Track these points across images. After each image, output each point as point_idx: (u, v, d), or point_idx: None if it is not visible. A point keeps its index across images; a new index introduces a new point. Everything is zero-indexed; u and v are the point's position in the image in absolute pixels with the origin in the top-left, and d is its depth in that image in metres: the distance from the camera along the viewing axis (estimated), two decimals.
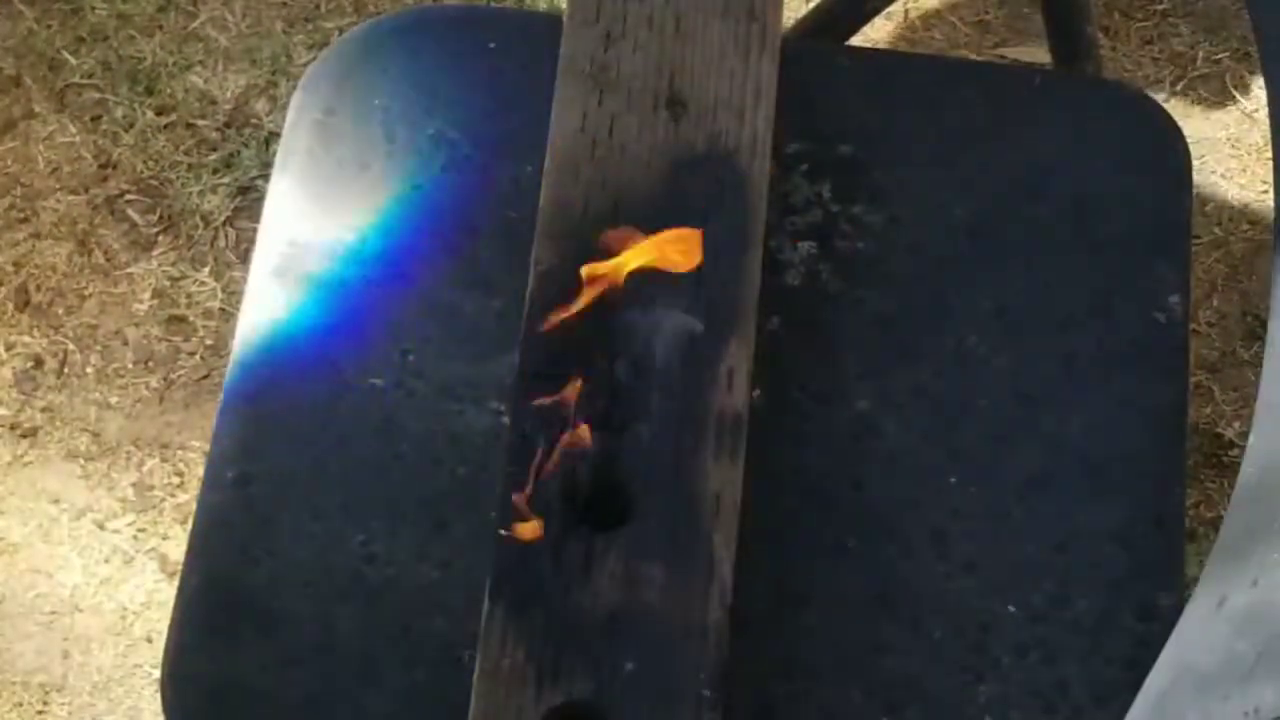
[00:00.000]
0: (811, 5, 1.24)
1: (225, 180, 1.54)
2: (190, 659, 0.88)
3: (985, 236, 0.95)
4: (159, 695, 0.87)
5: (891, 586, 0.87)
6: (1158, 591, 0.87)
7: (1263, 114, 1.57)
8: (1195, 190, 1.01)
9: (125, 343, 1.49)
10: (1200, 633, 0.69)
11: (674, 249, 0.85)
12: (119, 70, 1.59)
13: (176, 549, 1.40)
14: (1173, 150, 0.98)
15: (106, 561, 1.41)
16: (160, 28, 1.62)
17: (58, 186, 1.55)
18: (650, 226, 0.89)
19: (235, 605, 0.88)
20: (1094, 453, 0.90)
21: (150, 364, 1.48)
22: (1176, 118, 1.01)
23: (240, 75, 1.59)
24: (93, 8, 1.62)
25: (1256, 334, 1.51)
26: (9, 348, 1.48)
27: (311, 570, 0.88)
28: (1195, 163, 1.01)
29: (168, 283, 1.51)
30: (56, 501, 1.43)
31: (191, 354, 1.48)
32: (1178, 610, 0.78)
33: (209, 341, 1.49)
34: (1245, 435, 1.07)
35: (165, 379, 1.47)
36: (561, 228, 0.90)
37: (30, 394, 1.47)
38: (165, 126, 1.57)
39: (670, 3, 0.95)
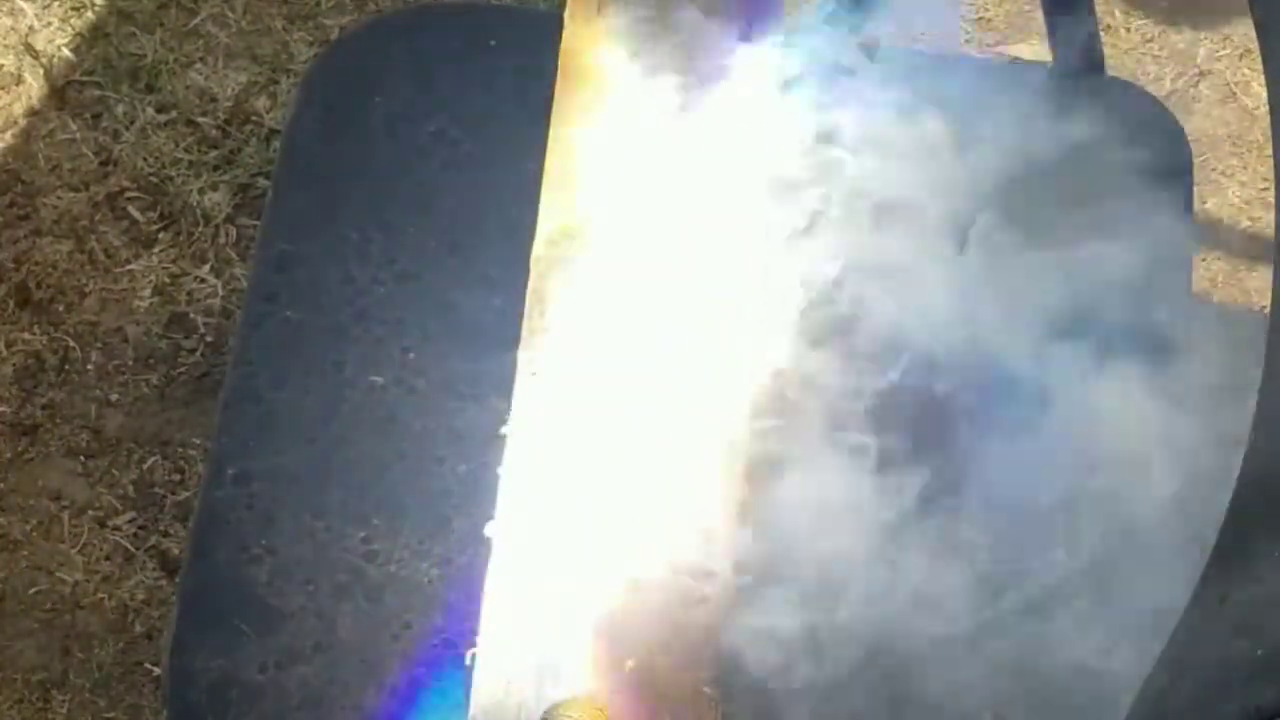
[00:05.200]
0: (812, 1, 1.23)
1: (226, 178, 1.54)
2: (191, 656, 0.88)
3: (985, 233, 0.95)
4: (159, 692, 0.87)
5: (892, 584, 0.87)
6: (1158, 589, 0.86)
7: (1263, 111, 1.57)
8: (1196, 188, 1.01)
9: (126, 340, 1.49)
10: (1200, 631, 0.69)
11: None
12: (120, 67, 1.59)
13: (177, 546, 1.40)
14: (1174, 148, 0.98)
15: (107, 559, 1.41)
16: (161, 25, 1.62)
17: (58, 184, 1.55)
18: (651, 224, 0.89)
19: (236, 602, 0.88)
20: (1094, 450, 0.90)
21: (151, 361, 1.48)
22: (1177, 115, 1.01)
23: (241, 72, 1.59)
24: (93, 4, 1.62)
25: (1257, 333, 1.50)
26: (9, 345, 1.48)
27: (312, 567, 0.88)
28: (1196, 160, 1.01)
29: (168, 280, 1.51)
30: (57, 499, 1.43)
31: (192, 351, 1.48)
32: (1178, 608, 0.78)
33: (209, 339, 1.49)
34: (1245, 434, 1.07)
35: (166, 376, 1.47)
36: (561, 225, 0.90)
37: (31, 391, 1.47)
38: (166, 124, 1.57)
39: (670, 1, 0.95)
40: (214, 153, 1.56)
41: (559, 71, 0.94)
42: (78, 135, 1.57)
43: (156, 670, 1.31)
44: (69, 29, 1.62)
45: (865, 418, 0.90)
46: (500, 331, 0.91)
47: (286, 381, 0.93)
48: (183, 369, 1.48)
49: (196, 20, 1.62)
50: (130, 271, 1.51)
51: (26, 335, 1.49)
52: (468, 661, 0.82)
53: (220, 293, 1.51)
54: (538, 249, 0.90)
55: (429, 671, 0.85)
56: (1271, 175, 0.90)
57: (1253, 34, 0.91)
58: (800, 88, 0.96)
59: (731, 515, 0.84)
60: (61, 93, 1.59)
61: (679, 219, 0.90)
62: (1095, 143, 0.98)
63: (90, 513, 1.43)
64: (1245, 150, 1.62)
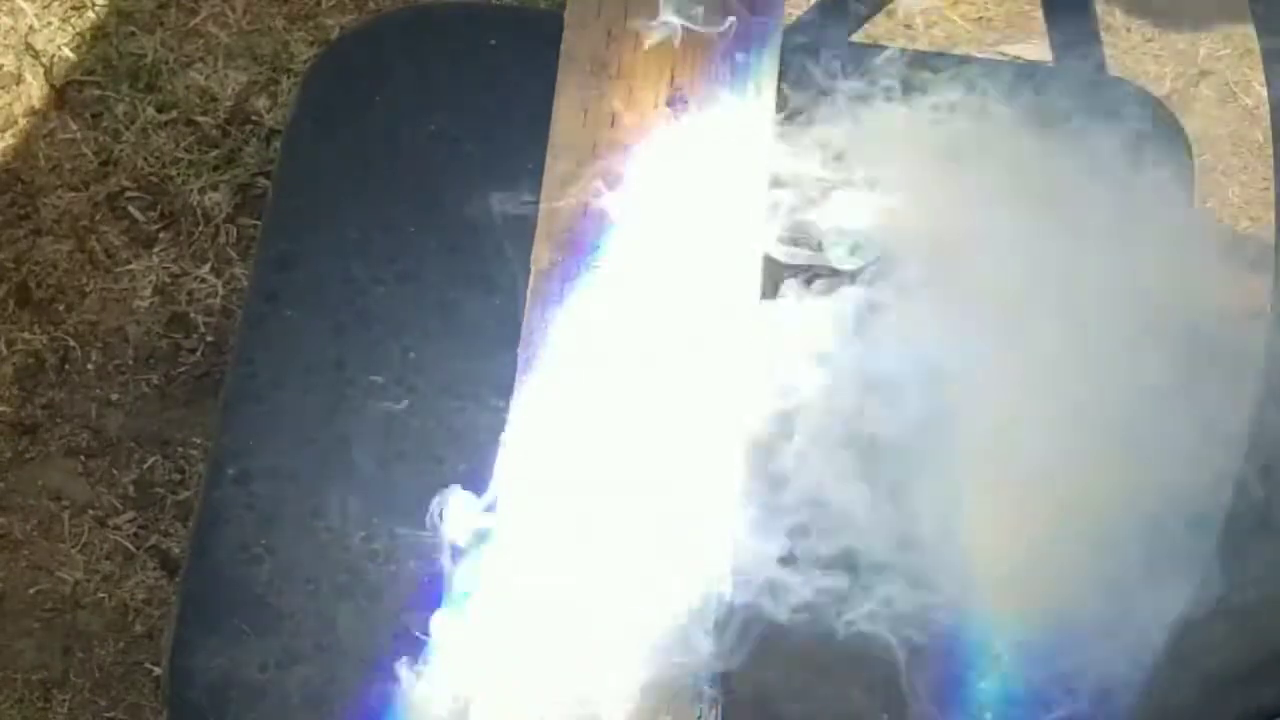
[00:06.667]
0: (812, 1, 1.23)
1: (226, 177, 1.54)
2: (191, 656, 0.88)
3: (984, 232, 0.95)
4: (159, 692, 0.87)
5: (891, 575, 0.87)
6: (1158, 589, 0.86)
7: (1263, 111, 1.57)
8: (1196, 188, 1.01)
9: (126, 339, 1.49)
10: (1201, 631, 0.69)
11: None
12: (120, 67, 1.59)
13: (177, 546, 1.40)
14: (1174, 147, 0.98)
15: (108, 558, 1.41)
16: (161, 24, 1.62)
17: (58, 183, 1.55)
18: (651, 223, 0.89)
19: (236, 602, 0.88)
20: (1095, 449, 0.90)
21: (151, 361, 1.48)
22: (1177, 115, 1.01)
23: (241, 72, 1.59)
24: (94, 4, 1.62)
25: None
26: (10, 344, 1.48)
27: (312, 567, 0.88)
28: (1196, 160, 1.01)
29: (168, 280, 1.51)
30: (58, 498, 1.43)
31: (192, 351, 1.48)
32: (1178, 608, 0.79)
33: (210, 338, 1.49)
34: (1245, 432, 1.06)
35: (166, 376, 1.47)
36: (561, 225, 0.90)
37: (31, 391, 1.47)
38: (166, 123, 1.57)
39: (669, 2, 0.95)
40: (214, 152, 1.56)
41: (559, 71, 0.94)
42: (78, 135, 1.57)
43: (157, 670, 1.31)
44: (69, 29, 1.62)
45: (867, 413, 0.90)
46: (500, 331, 0.91)
47: (286, 381, 0.93)
48: (183, 369, 1.48)
49: (196, 20, 1.62)
50: (130, 271, 1.51)
51: (26, 335, 1.49)
52: (468, 661, 0.82)
53: (220, 292, 1.51)
54: (538, 248, 0.90)
55: (429, 672, 0.85)
56: (1271, 175, 0.90)
57: (1253, 34, 0.91)
58: (799, 88, 0.96)
59: (732, 513, 0.84)
60: (61, 93, 1.59)
61: (679, 218, 0.90)
62: (1095, 142, 0.98)
63: (90, 512, 1.43)
64: (1245, 150, 1.62)
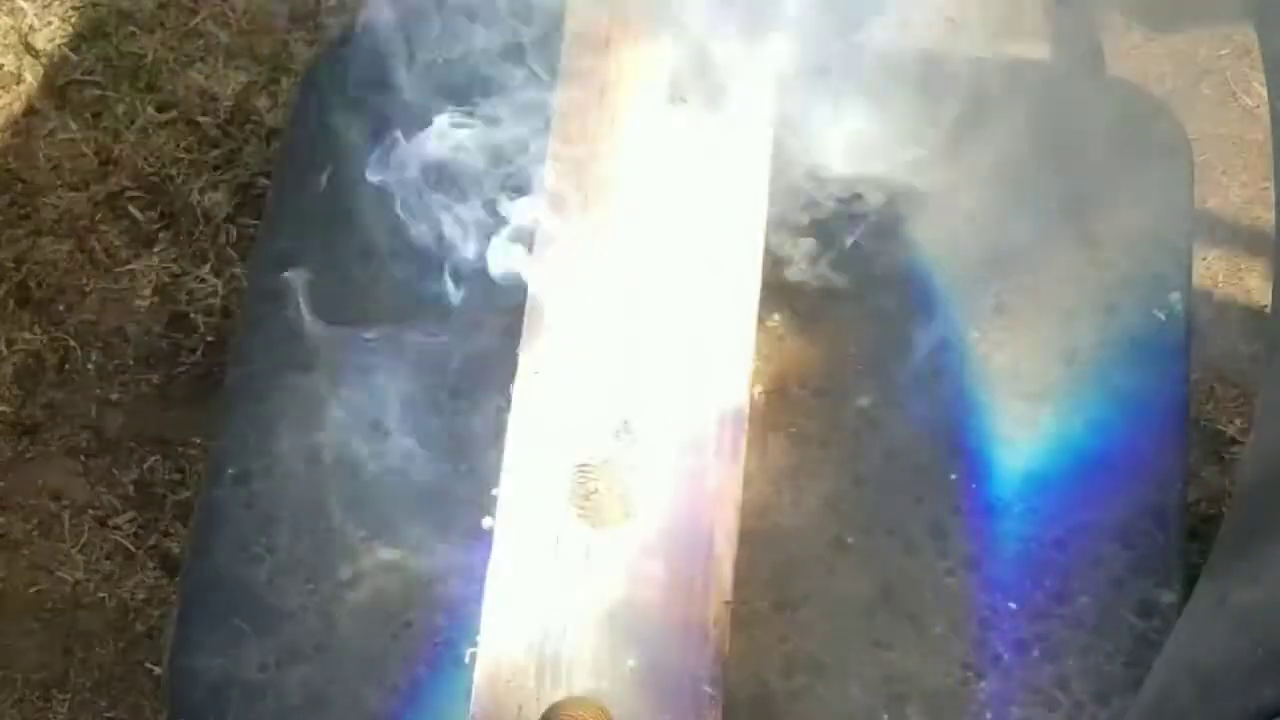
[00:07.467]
0: (812, 1, 1.23)
1: (226, 177, 1.54)
2: (191, 655, 0.88)
3: (986, 232, 0.95)
4: (160, 692, 0.87)
5: (892, 582, 0.87)
6: (1159, 588, 0.87)
7: (1264, 111, 1.57)
8: (1196, 188, 1.01)
9: (126, 339, 1.49)
10: (1201, 630, 0.69)
11: None
12: (120, 67, 1.59)
13: (177, 546, 1.40)
14: (1174, 147, 0.98)
15: (108, 558, 1.41)
16: (161, 24, 1.62)
17: (58, 183, 1.55)
18: (651, 222, 0.89)
19: (236, 602, 0.88)
20: (1095, 449, 0.90)
21: (151, 361, 1.48)
22: (1177, 115, 1.01)
23: (241, 72, 1.59)
24: (93, 4, 1.62)
25: (1258, 331, 1.50)
26: (10, 344, 1.48)
27: (312, 567, 0.88)
28: (1196, 160, 1.01)
29: (168, 279, 1.51)
30: (58, 498, 1.43)
31: (192, 351, 1.48)
32: (1179, 607, 0.79)
33: (210, 338, 1.49)
34: (1246, 432, 1.07)
35: (166, 375, 1.47)
36: (562, 225, 0.90)
37: (31, 391, 1.47)
38: (166, 123, 1.57)
39: (672, 2, 0.95)
40: (214, 152, 1.56)
41: (560, 72, 0.94)
42: (78, 135, 1.57)
43: (157, 670, 1.31)
44: (69, 28, 1.62)
45: (865, 404, 0.91)
46: (500, 332, 0.91)
47: (286, 381, 0.93)
48: (183, 369, 1.48)
49: (197, 20, 1.62)
50: (130, 271, 1.51)
51: (26, 335, 1.49)
52: (467, 661, 0.82)
53: (220, 292, 1.50)
54: (539, 248, 0.90)
55: (429, 671, 0.85)
56: (1271, 175, 0.90)
57: (1253, 34, 0.91)
58: (797, 85, 0.96)
59: (731, 515, 0.84)
60: (61, 92, 1.59)
61: (679, 218, 0.90)
62: (1095, 143, 0.98)
63: (91, 512, 1.43)
64: (1245, 150, 1.62)
